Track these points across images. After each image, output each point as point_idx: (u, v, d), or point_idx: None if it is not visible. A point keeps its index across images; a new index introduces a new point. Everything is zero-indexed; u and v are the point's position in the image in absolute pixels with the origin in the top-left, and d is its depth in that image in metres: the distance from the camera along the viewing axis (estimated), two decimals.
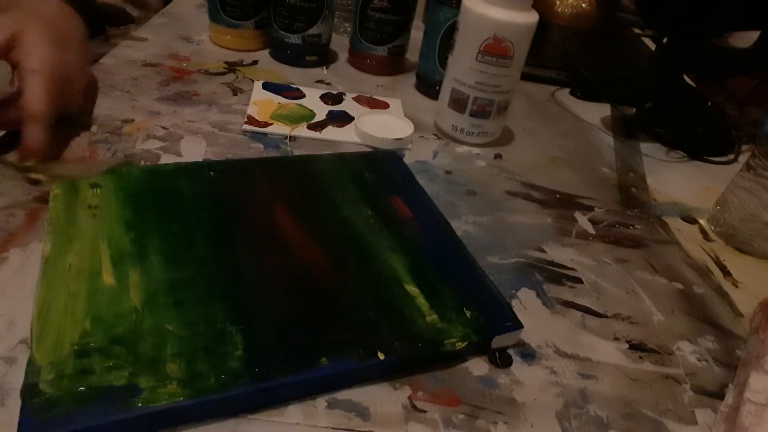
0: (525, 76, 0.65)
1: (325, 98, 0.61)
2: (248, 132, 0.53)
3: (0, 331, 0.31)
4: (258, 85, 0.61)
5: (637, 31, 0.98)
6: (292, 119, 0.56)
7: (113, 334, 0.30)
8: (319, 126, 0.56)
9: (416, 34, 0.69)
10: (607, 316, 0.40)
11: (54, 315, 0.30)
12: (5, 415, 0.27)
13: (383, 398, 0.32)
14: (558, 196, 0.53)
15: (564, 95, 0.75)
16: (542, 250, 0.45)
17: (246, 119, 0.55)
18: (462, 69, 0.55)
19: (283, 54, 0.68)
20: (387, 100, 0.64)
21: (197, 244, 0.37)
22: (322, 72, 0.69)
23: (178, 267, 0.35)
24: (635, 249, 0.47)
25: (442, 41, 0.62)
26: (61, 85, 0.44)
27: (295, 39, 0.66)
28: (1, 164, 0.42)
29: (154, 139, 0.49)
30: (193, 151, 0.49)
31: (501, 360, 0.35)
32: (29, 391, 0.27)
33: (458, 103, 0.56)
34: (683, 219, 0.53)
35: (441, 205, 0.46)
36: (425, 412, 0.31)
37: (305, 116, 0.57)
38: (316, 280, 0.36)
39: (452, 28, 0.56)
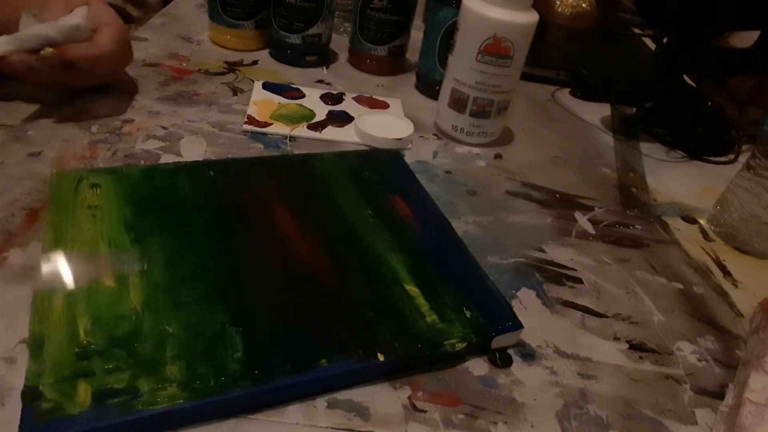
0: (525, 76, 0.65)
1: (325, 98, 0.61)
2: (248, 132, 0.53)
3: (0, 331, 0.31)
4: (258, 85, 0.61)
5: (637, 31, 0.98)
6: (292, 119, 0.56)
7: (113, 336, 0.30)
8: (319, 126, 0.56)
9: (416, 34, 0.69)
10: (607, 316, 0.40)
11: (54, 317, 0.30)
12: (5, 415, 0.27)
13: (383, 398, 0.32)
14: (558, 196, 0.53)
15: (564, 95, 0.75)
16: (542, 250, 0.45)
17: (246, 119, 0.55)
18: (462, 69, 0.55)
19: (283, 54, 0.68)
20: (387, 100, 0.64)
21: (197, 245, 0.37)
22: (322, 72, 0.69)
23: (177, 268, 0.35)
24: (635, 249, 0.47)
25: (442, 41, 0.62)
26: (125, 43, 0.53)
27: (295, 39, 0.66)
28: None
29: (154, 139, 0.49)
30: (193, 151, 0.49)
31: (501, 360, 0.35)
32: (30, 393, 0.27)
33: (458, 103, 0.56)
34: (683, 219, 0.53)
35: (441, 205, 0.46)
36: (425, 412, 0.31)
37: (305, 116, 0.57)
38: (315, 280, 0.36)
39: (452, 28, 0.56)
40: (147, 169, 0.44)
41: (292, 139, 0.54)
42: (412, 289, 0.37)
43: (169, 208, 0.40)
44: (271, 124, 0.55)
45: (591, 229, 0.49)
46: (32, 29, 0.45)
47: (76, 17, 0.47)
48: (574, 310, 0.40)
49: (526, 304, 0.40)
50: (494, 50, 0.52)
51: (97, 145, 0.47)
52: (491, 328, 0.35)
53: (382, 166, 0.50)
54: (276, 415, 0.30)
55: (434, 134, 0.59)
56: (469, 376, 0.34)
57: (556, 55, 0.79)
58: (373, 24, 0.67)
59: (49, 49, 0.45)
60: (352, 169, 0.48)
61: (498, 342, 0.35)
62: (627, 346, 0.38)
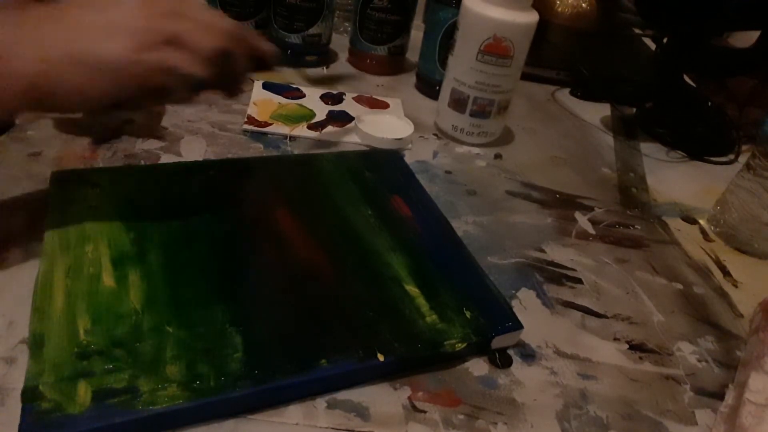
0: (525, 76, 0.64)
1: (325, 98, 0.61)
2: (248, 132, 0.53)
3: (0, 331, 0.31)
4: (258, 85, 0.61)
5: (637, 31, 0.98)
6: (292, 119, 0.56)
7: (113, 336, 0.30)
8: (319, 126, 0.56)
9: (416, 34, 0.69)
10: (607, 317, 0.40)
11: (54, 316, 0.30)
12: (5, 415, 0.27)
13: (383, 398, 0.32)
14: (558, 196, 0.53)
15: (564, 95, 0.75)
16: (542, 250, 0.45)
17: (246, 119, 0.55)
18: (462, 69, 0.55)
19: (283, 54, 0.68)
20: (387, 100, 0.64)
21: (197, 245, 0.37)
22: (322, 72, 0.69)
23: (177, 267, 0.35)
24: (635, 249, 0.47)
25: (442, 41, 0.62)
26: None
27: (295, 39, 0.66)
28: None
29: (154, 139, 0.49)
30: (193, 151, 0.49)
31: (501, 360, 0.35)
32: (30, 393, 0.27)
33: (458, 103, 0.56)
34: (683, 219, 0.53)
35: (441, 205, 0.46)
36: (425, 412, 0.31)
37: (305, 116, 0.57)
38: (315, 280, 0.36)
39: (452, 28, 0.56)
40: (147, 169, 0.44)
41: (292, 139, 0.54)
42: (412, 289, 0.37)
43: (169, 207, 0.40)
44: (271, 124, 0.55)
45: (591, 229, 0.49)
46: None
47: None
48: (574, 311, 0.40)
49: (526, 304, 0.40)
50: (494, 50, 0.52)
51: (97, 145, 0.47)
52: (491, 328, 0.35)
53: (382, 166, 0.49)
54: (276, 415, 0.30)
55: (434, 134, 0.59)
56: (469, 377, 0.34)
57: (556, 55, 0.79)
58: (373, 24, 0.67)
59: None
60: (352, 169, 0.48)
61: (498, 342, 0.35)
62: (627, 346, 0.38)
